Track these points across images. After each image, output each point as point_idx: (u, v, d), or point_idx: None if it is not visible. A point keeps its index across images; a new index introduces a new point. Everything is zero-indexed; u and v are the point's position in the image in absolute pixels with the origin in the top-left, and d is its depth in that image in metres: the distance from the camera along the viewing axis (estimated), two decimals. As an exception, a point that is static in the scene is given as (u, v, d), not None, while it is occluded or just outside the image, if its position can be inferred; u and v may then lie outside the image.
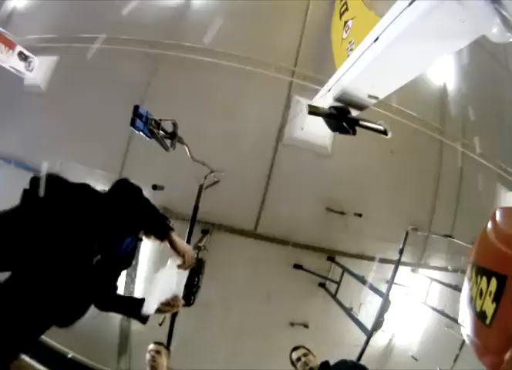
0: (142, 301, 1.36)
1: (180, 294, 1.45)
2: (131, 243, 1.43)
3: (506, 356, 0.80)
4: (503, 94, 6.19)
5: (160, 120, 2.43)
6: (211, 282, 3.51)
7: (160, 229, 1.35)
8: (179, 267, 1.36)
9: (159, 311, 1.39)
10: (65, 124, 4.76)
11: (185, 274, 1.42)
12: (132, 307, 1.38)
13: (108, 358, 4.63)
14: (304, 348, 2.57)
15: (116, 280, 1.44)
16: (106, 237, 1.27)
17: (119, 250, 1.34)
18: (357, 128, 2.63)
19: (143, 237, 1.48)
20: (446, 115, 5.49)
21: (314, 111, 2.69)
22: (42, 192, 1.16)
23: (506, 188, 5.86)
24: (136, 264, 4.33)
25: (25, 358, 4.45)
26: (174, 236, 1.35)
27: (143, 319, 1.40)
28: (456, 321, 3.75)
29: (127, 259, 1.44)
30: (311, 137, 4.48)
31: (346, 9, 3.54)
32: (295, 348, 2.60)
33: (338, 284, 4.37)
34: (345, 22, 3.35)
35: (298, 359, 2.46)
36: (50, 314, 1.10)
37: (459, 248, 4.60)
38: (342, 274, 4.35)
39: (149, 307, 1.34)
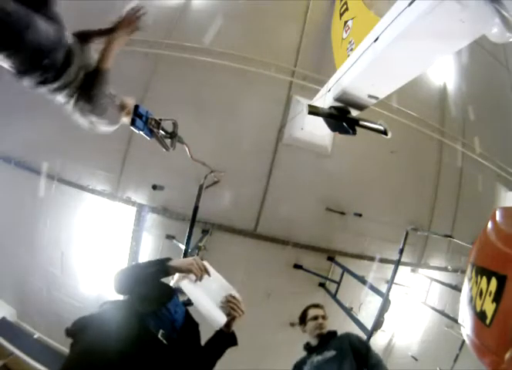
0: (220, 332, 1.38)
1: (231, 291, 1.49)
2: (178, 307, 1.39)
3: (507, 356, 0.80)
4: (503, 94, 6.20)
5: (160, 120, 2.43)
6: (211, 282, 3.50)
7: (158, 271, 1.35)
8: (196, 280, 1.37)
9: (232, 316, 1.38)
10: (65, 124, 4.74)
11: (211, 278, 1.46)
12: (220, 342, 1.40)
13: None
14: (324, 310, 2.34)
15: (198, 343, 1.41)
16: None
17: (170, 313, 1.31)
18: (357, 128, 2.64)
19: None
20: (446, 115, 5.49)
21: (314, 111, 2.70)
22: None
23: (507, 188, 5.86)
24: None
25: (25, 357, 4.46)
26: (173, 262, 1.37)
27: (234, 340, 1.43)
28: (456, 321, 3.75)
29: (189, 321, 1.41)
30: (311, 137, 4.48)
31: (346, 9, 3.54)
32: (316, 306, 2.37)
33: (338, 284, 4.37)
34: (345, 22, 3.35)
35: (315, 318, 2.20)
36: None
37: (459, 248, 4.60)
38: (342, 274, 4.35)
39: (219, 319, 1.35)
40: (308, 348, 2.17)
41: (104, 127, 1.75)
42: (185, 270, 1.36)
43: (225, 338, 1.40)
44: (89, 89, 1.58)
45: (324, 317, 2.23)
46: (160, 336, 1.14)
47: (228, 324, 1.39)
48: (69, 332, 1.12)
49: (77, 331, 1.10)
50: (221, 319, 1.34)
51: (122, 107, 1.84)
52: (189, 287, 1.37)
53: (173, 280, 1.52)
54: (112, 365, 0.95)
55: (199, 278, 1.38)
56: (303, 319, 2.29)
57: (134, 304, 1.21)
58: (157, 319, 1.21)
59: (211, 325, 1.38)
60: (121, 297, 1.39)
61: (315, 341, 2.15)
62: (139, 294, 1.27)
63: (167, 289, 1.40)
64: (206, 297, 1.39)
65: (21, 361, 4.44)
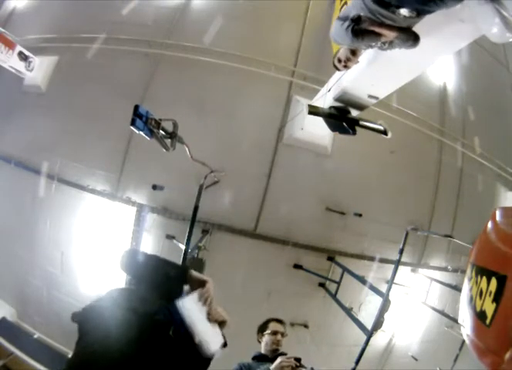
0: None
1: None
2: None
3: (507, 356, 0.80)
4: (503, 94, 6.20)
5: (160, 120, 2.44)
6: (211, 282, 3.50)
7: (178, 277, 1.34)
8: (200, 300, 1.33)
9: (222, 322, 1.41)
10: (65, 124, 4.77)
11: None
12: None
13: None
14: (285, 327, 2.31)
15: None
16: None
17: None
18: (357, 128, 2.64)
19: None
20: (446, 115, 5.50)
21: (314, 111, 2.70)
22: None
23: (507, 188, 5.86)
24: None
25: (25, 357, 4.45)
26: (192, 273, 1.36)
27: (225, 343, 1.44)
28: (456, 321, 3.75)
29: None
30: (311, 137, 4.48)
31: (346, 9, 3.53)
32: (279, 321, 2.30)
33: (338, 284, 4.37)
34: (345, 22, 3.34)
35: (274, 333, 2.17)
36: None
37: (459, 248, 4.59)
38: (342, 274, 4.35)
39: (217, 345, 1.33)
40: (260, 356, 2.12)
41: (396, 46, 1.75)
42: (202, 282, 1.35)
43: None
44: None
45: (283, 335, 2.21)
46: (171, 333, 1.14)
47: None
48: (76, 317, 1.11)
49: (85, 320, 1.09)
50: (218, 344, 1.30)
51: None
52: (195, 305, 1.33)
53: None
54: (120, 362, 0.94)
55: (202, 298, 1.36)
56: (262, 330, 2.25)
57: (145, 293, 1.20)
58: (168, 312, 1.21)
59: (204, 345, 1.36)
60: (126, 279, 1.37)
61: (270, 353, 2.10)
62: (152, 282, 1.26)
63: (179, 281, 1.39)
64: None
65: (21, 361, 4.44)
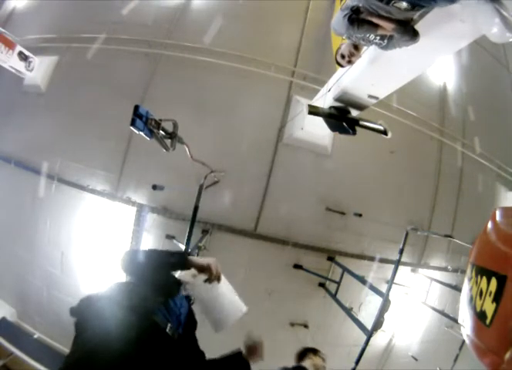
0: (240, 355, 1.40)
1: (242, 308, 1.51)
2: (183, 301, 1.41)
3: (507, 356, 0.80)
4: (503, 94, 6.20)
5: (160, 120, 2.44)
6: (211, 282, 3.50)
7: (178, 264, 1.35)
8: (207, 280, 1.37)
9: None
10: (65, 124, 4.76)
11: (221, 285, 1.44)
12: (236, 365, 1.41)
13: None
14: None
15: (197, 345, 1.40)
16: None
17: (177, 306, 1.30)
18: (357, 128, 2.64)
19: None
20: (446, 115, 5.50)
21: (314, 111, 2.70)
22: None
23: (507, 188, 5.86)
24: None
25: (25, 357, 4.45)
26: (192, 259, 1.37)
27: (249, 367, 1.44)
28: (456, 321, 3.74)
29: (191, 318, 1.41)
30: (311, 137, 4.48)
31: (346, 9, 3.53)
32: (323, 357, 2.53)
33: (338, 284, 4.37)
34: (345, 22, 3.34)
35: (323, 360, 2.36)
36: None
37: (459, 248, 4.60)
38: (342, 274, 4.35)
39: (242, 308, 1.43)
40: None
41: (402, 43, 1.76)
42: (205, 267, 1.36)
43: (243, 364, 1.40)
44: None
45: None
46: (168, 330, 1.13)
47: (253, 354, 1.43)
48: (74, 313, 1.10)
49: (84, 317, 1.08)
50: (243, 308, 1.40)
51: None
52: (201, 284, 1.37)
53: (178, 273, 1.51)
54: (118, 361, 0.94)
55: (210, 279, 1.37)
56: (315, 352, 2.42)
57: (144, 291, 1.19)
58: (165, 311, 1.20)
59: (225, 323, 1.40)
60: (125, 278, 1.37)
61: None
62: (152, 281, 1.25)
63: (177, 281, 1.39)
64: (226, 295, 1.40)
65: (21, 361, 4.45)
